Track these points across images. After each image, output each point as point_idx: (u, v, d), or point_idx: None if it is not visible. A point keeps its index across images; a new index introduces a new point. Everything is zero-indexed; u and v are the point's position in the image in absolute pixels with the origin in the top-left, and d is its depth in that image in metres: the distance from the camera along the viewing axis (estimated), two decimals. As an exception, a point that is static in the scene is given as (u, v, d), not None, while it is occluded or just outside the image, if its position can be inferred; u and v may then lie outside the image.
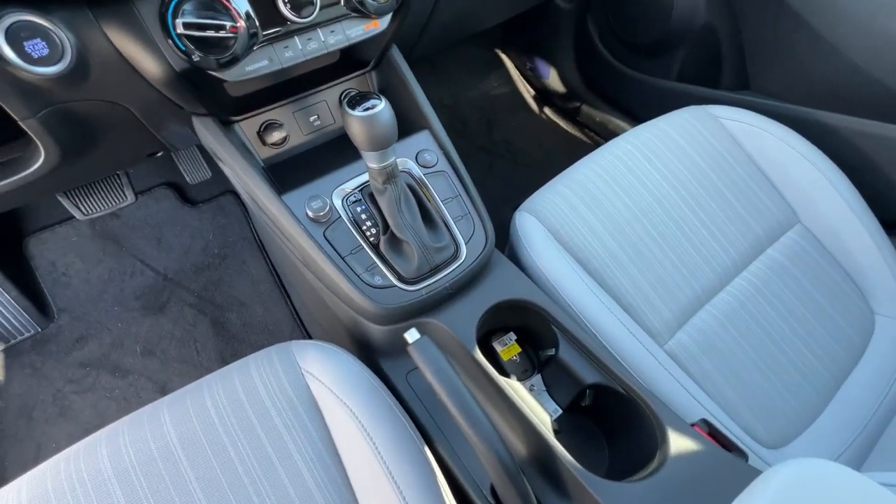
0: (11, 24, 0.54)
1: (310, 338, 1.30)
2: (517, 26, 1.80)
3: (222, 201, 1.49)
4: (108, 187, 1.31)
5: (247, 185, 0.79)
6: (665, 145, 1.06)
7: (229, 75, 0.68)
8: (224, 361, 1.27)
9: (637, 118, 1.62)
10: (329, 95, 0.96)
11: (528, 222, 0.92)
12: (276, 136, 0.91)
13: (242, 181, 0.80)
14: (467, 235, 0.80)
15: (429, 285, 0.75)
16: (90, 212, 1.29)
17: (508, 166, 1.78)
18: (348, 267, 0.74)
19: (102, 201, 1.31)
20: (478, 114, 1.86)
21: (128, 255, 1.41)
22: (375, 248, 0.76)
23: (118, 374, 1.24)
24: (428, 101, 0.94)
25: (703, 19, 1.35)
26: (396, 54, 0.94)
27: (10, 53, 0.55)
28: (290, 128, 0.94)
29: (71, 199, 1.27)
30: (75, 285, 1.35)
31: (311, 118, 0.96)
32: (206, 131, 0.80)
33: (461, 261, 0.78)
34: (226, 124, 0.85)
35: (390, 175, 0.71)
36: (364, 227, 0.77)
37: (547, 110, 1.92)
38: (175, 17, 0.59)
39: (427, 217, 0.79)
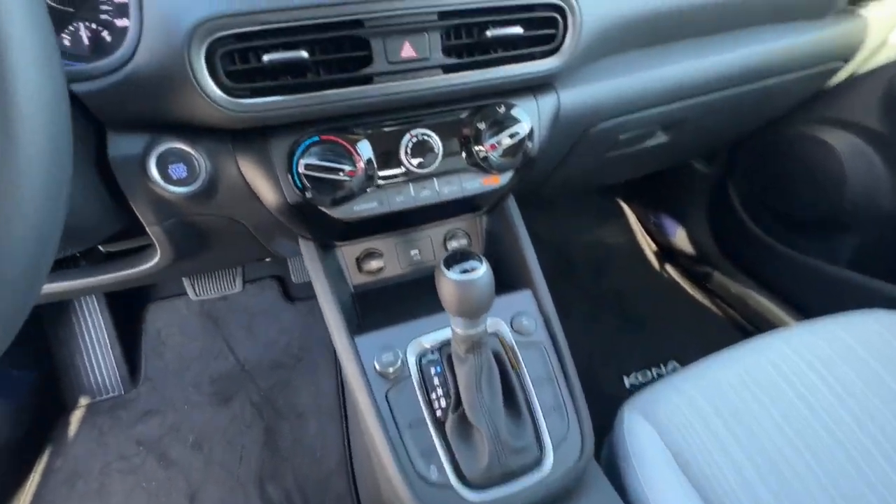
0: (163, 151, 0.59)
1: (353, 477, 1.14)
2: (644, 179, 1.73)
3: (316, 304, 1.52)
4: (222, 274, 1.42)
5: (326, 315, 0.74)
6: (842, 357, 0.81)
7: (337, 212, 0.67)
8: (260, 481, 1.16)
9: (788, 301, 1.35)
10: (434, 232, 0.93)
11: (641, 430, 0.71)
12: (373, 264, 0.89)
13: (323, 310, 0.75)
14: (557, 437, 0.63)
15: (496, 499, 0.58)
16: (202, 293, 1.39)
17: (616, 322, 1.57)
18: (402, 445, 0.61)
19: (215, 286, 1.41)
20: (587, 257, 1.74)
21: (220, 337, 1.46)
22: (441, 426, 0.63)
23: (163, 462, 1.19)
24: (537, 258, 0.85)
25: (887, 201, 1.12)
26: (511, 203, 0.89)
27: (155, 175, 0.59)
28: (389, 258, 0.92)
29: (189, 278, 1.39)
30: (167, 357, 1.42)
31: (412, 252, 0.93)
32: (307, 253, 0.80)
33: (544, 472, 0.60)
34: (329, 247, 0.85)
35: (476, 344, 0.60)
36: (433, 396, 0.65)
37: (669, 268, 1.72)
38: (301, 156, 0.61)
39: (510, 401, 0.64)
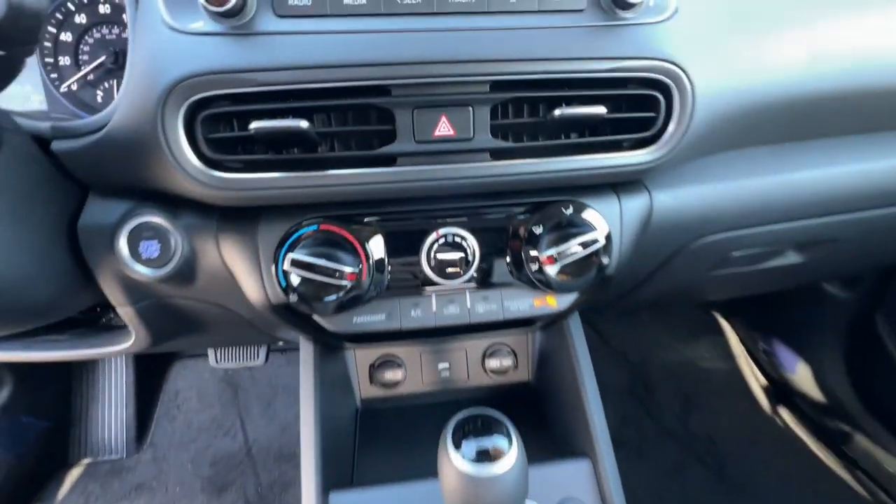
0: (138, 225, 0.49)
1: None
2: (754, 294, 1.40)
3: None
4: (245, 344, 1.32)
5: (301, 449, 0.56)
6: None
7: (331, 323, 0.51)
8: None
9: None
10: (471, 345, 0.74)
11: None
12: (388, 376, 0.71)
13: (301, 441, 0.57)
14: None
15: None
16: (222, 361, 1.30)
17: (706, 479, 1.20)
18: None
19: (235, 356, 1.30)
20: (673, 384, 1.41)
21: (235, 410, 1.34)
22: None
23: (131, 558, 1.03)
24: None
25: None
26: (573, 322, 0.68)
27: (123, 250, 0.49)
28: (411, 370, 0.73)
29: (213, 343, 1.30)
30: (178, 423, 1.31)
31: (441, 365, 0.74)
32: (304, 356, 0.64)
33: None
34: (336, 347, 0.69)
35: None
36: None
37: (784, 414, 1.33)
38: (291, 249, 0.47)
39: None
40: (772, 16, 0.49)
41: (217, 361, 1.30)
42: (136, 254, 0.50)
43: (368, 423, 0.71)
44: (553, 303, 0.53)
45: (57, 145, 0.46)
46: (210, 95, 0.40)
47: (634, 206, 0.53)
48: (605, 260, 0.51)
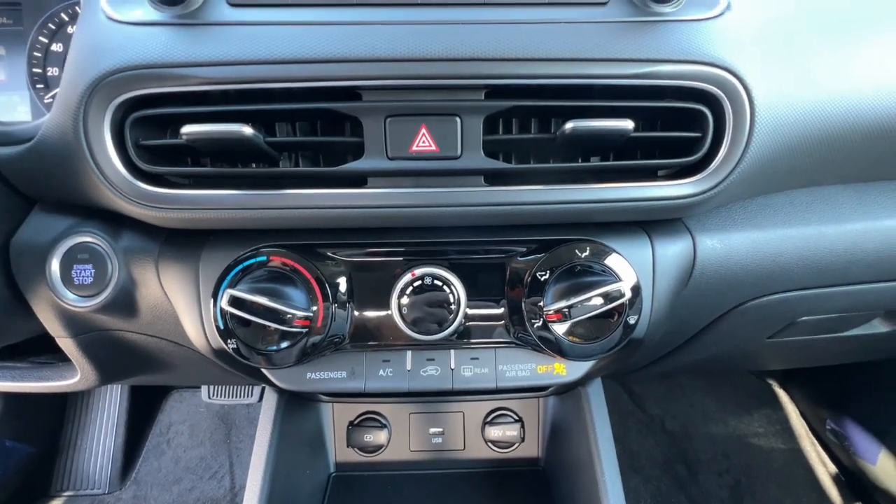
0: (73, 246, 0.42)
1: None
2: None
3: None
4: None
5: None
6: None
7: (281, 377, 0.42)
8: None
9: None
10: (470, 407, 0.63)
11: None
12: (369, 438, 0.61)
13: None
14: None
15: None
16: (213, 396, 1.22)
17: (765, 591, 0.97)
18: None
19: (228, 392, 1.23)
20: (720, 463, 1.20)
21: (226, 450, 1.24)
22: None
23: None
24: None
25: None
26: (594, 393, 0.55)
27: (55, 273, 0.43)
28: (397, 433, 0.63)
29: (207, 376, 1.23)
30: (166, 459, 1.23)
31: (432, 430, 0.63)
32: (265, 409, 0.55)
33: None
34: (310, 398, 0.59)
35: None
36: None
37: (862, 512, 1.09)
38: (232, 284, 0.38)
39: None
40: (864, 12, 0.38)
41: (209, 396, 1.23)
42: (68, 279, 0.43)
43: (340, 495, 0.59)
44: (562, 370, 0.41)
45: None
46: (143, 95, 0.33)
47: (672, 252, 0.42)
48: (631, 319, 0.39)
